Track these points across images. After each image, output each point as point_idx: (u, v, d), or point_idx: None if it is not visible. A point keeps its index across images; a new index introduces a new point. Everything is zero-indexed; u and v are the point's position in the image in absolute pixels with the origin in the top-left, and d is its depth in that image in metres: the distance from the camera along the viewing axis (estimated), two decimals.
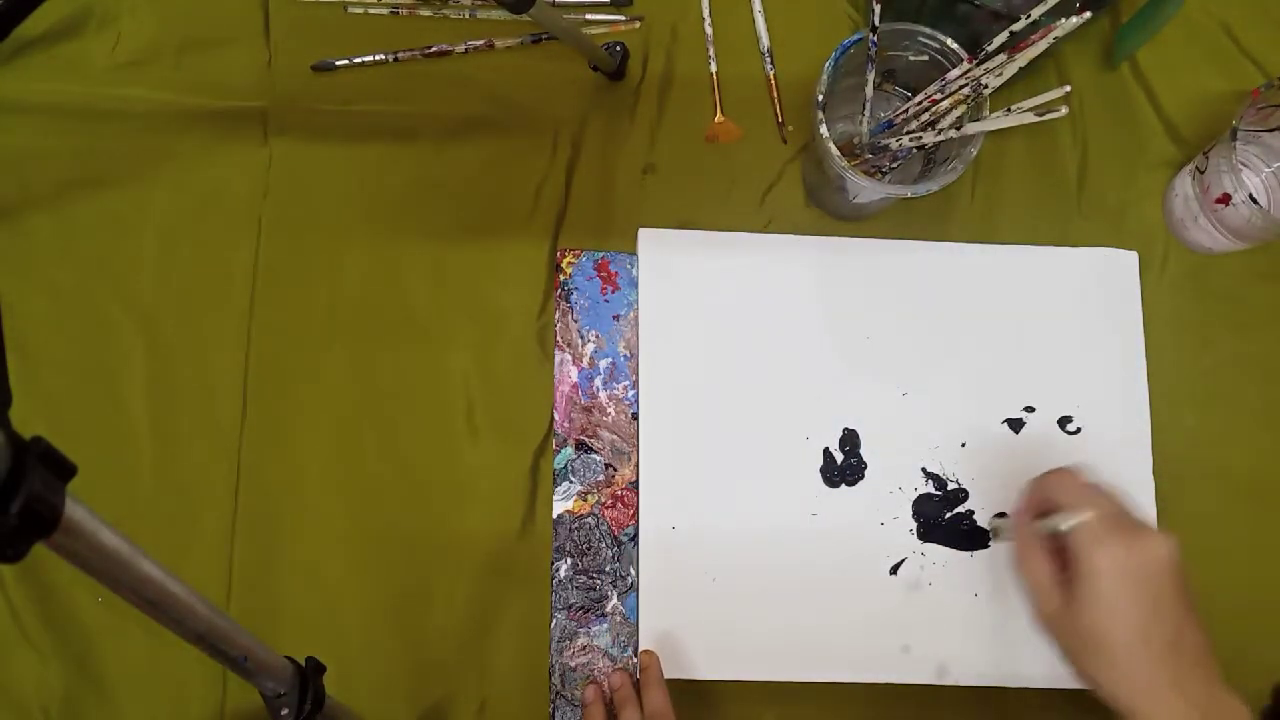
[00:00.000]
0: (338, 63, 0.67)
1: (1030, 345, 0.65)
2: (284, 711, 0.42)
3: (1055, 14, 0.52)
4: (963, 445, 0.63)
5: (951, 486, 0.63)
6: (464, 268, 0.64)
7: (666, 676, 0.58)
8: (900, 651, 0.60)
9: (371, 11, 0.68)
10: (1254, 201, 0.60)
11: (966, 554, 0.62)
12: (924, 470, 0.63)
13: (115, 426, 0.61)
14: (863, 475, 0.62)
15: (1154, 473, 0.63)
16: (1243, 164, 0.60)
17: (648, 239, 0.64)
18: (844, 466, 0.62)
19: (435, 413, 0.62)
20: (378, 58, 0.67)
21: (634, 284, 0.63)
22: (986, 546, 0.62)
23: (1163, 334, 0.65)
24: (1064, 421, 0.64)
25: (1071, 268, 0.66)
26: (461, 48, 0.67)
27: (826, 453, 0.62)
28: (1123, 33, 0.67)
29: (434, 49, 0.67)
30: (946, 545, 0.62)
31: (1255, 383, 0.66)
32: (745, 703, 0.60)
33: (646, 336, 0.63)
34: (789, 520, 0.61)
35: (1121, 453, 0.63)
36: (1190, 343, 0.66)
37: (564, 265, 0.63)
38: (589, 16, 0.69)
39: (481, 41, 0.67)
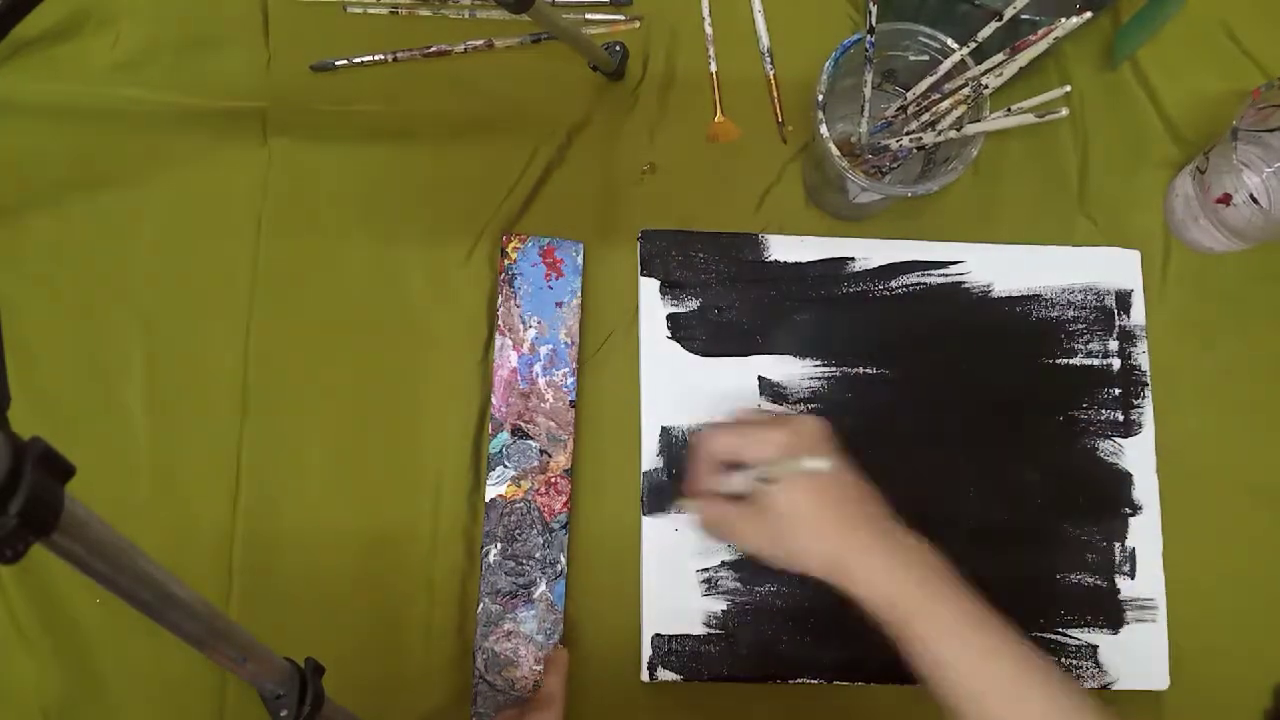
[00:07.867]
0: (337, 63, 0.67)
1: (1033, 344, 0.65)
2: (283, 712, 0.41)
3: (1055, 13, 0.52)
4: (964, 444, 0.63)
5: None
6: (463, 267, 0.64)
7: (669, 678, 0.58)
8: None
9: (371, 11, 0.68)
10: (1254, 201, 0.60)
11: None
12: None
13: (114, 427, 0.61)
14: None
15: (1157, 472, 0.63)
16: (1243, 164, 0.60)
17: (648, 238, 0.64)
18: None
19: (436, 412, 0.62)
20: (377, 58, 0.67)
21: (578, 272, 0.63)
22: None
23: (1164, 334, 0.65)
24: (1068, 420, 0.64)
25: (1073, 267, 0.66)
26: (461, 48, 0.67)
27: None
28: (1123, 33, 0.67)
29: (434, 49, 0.67)
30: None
31: (1256, 382, 0.66)
32: (747, 703, 0.60)
33: (647, 336, 0.63)
34: None
35: (1125, 451, 0.63)
36: (1192, 343, 0.66)
37: (509, 250, 0.63)
38: (589, 16, 0.69)
39: (481, 41, 0.67)
